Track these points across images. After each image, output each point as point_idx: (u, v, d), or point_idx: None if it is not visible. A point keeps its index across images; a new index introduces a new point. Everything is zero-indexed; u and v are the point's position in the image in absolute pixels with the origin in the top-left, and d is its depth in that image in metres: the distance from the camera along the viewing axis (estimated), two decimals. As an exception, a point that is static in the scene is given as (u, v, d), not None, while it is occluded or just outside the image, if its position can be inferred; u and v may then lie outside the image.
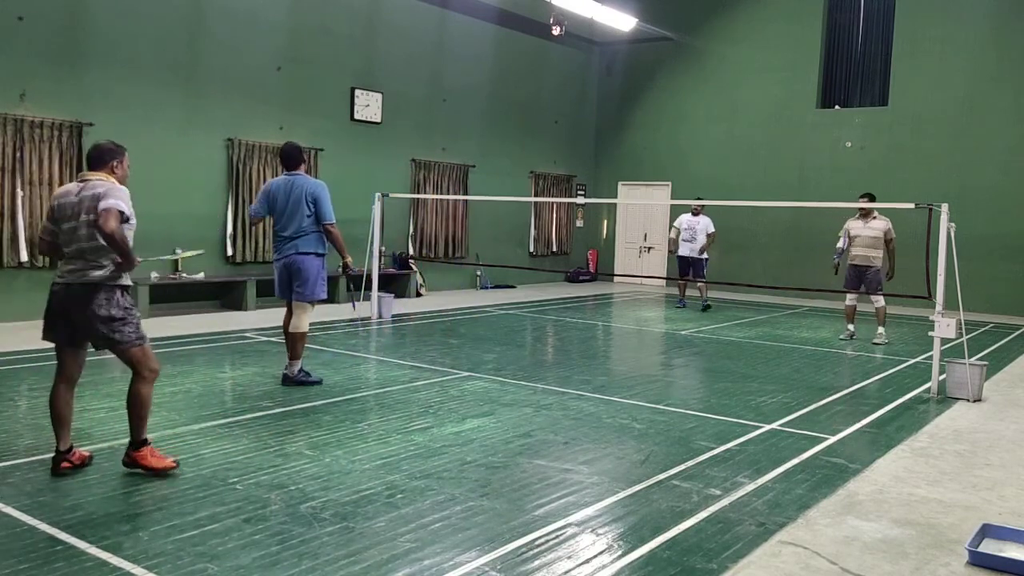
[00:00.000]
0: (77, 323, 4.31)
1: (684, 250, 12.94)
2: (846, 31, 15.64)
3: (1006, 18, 13.78)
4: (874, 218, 9.93)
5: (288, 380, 6.70)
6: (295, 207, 6.55)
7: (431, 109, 14.36)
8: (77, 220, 4.27)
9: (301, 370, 6.75)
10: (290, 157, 6.74)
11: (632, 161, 17.86)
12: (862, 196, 10.21)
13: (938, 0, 14.33)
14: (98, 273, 4.27)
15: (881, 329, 10.06)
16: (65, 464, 4.41)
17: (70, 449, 4.46)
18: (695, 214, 12.91)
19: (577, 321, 11.66)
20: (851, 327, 10.37)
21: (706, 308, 13.10)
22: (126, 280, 4.40)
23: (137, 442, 4.43)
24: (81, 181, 4.39)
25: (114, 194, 4.23)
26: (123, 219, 4.21)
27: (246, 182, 11.43)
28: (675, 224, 13.27)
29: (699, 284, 13.13)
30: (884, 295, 9.78)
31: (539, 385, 7.04)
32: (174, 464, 4.51)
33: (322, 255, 6.70)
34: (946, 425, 6.10)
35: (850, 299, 10.21)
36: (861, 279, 9.92)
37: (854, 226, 10.06)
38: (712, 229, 12.92)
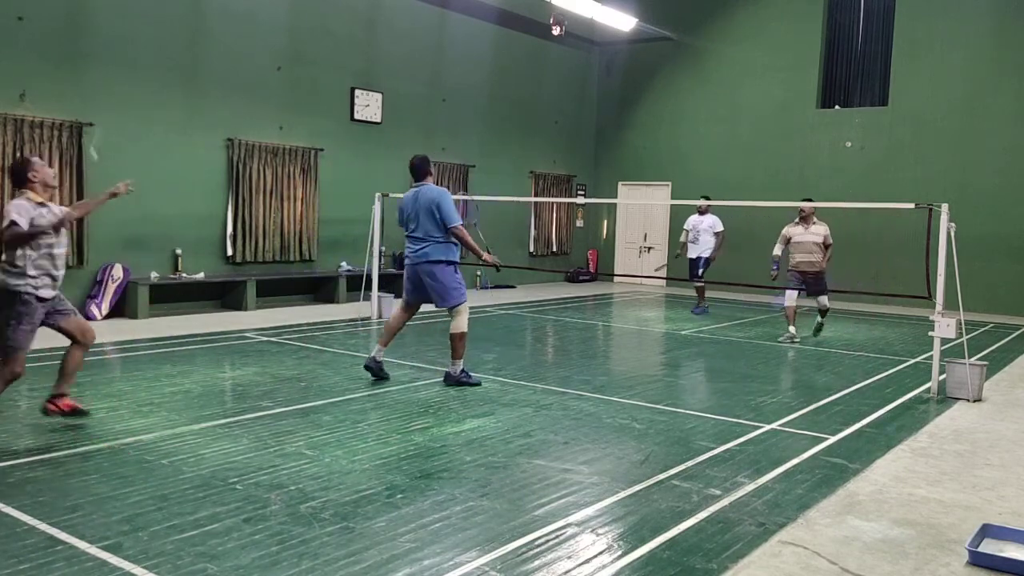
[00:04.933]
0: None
1: (692, 252, 12.55)
2: (846, 31, 15.63)
3: (1006, 18, 13.78)
4: (814, 223, 9.87)
5: (450, 379, 6.85)
6: (424, 214, 6.80)
7: (431, 109, 14.36)
8: None
9: (463, 371, 6.87)
10: (417, 169, 7.08)
11: (632, 161, 17.85)
12: (804, 200, 10.11)
13: (938, 0, 14.34)
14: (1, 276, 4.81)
15: (819, 319, 10.20)
16: (52, 408, 5.09)
17: (62, 395, 5.09)
18: (701, 213, 12.50)
19: (577, 321, 11.66)
20: (792, 328, 9.89)
21: (701, 312, 12.53)
22: (23, 288, 4.74)
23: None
24: None
25: (9, 209, 4.80)
26: (11, 224, 4.71)
27: (246, 182, 11.43)
28: (684, 226, 12.80)
29: (696, 285, 12.66)
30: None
31: (539, 385, 7.04)
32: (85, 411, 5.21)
33: (454, 262, 6.85)
34: (946, 425, 6.10)
35: (792, 298, 9.88)
36: (806, 282, 9.88)
37: (794, 232, 9.93)
38: (719, 228, 12.39)
